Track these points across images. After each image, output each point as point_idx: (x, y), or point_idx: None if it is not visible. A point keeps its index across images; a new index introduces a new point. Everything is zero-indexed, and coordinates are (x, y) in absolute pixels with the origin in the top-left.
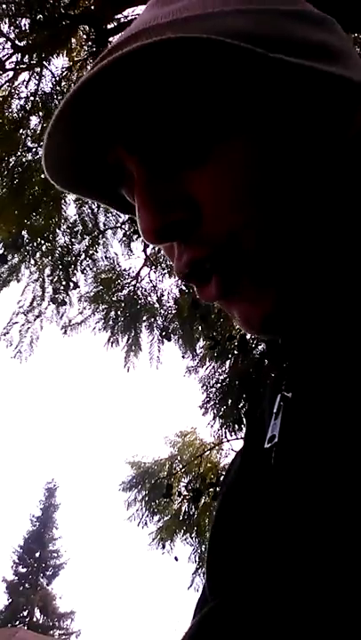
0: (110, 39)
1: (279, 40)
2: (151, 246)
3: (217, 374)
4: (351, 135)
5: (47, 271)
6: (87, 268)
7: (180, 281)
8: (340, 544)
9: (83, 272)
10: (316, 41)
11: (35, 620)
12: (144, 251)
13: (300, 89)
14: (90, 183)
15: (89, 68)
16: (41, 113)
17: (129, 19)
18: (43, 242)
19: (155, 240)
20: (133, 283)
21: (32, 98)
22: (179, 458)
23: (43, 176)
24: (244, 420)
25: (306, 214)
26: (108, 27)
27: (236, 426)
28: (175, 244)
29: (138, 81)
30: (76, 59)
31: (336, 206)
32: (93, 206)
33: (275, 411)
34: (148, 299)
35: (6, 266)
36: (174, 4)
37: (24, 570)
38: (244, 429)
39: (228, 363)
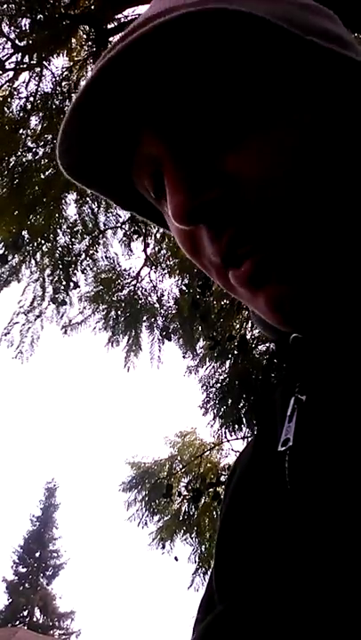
0: (110, 39)
1: (307, 27)
2: (151, 246)
3: (217, 374)
4: None
5: (47, 271)
6: (87, 268)
7: (179, 281)
8: (354, 550)
9: (83, 272)
10: (335, 32)
11: (35, 619)
12: (144, 251)
13: (329, 74)
14: (104, 176)
15: (89, 67)
16: (41, 113)
17: (129, 19)
18: (43, 242)
19: (188, 221)
20: (133, 283)
21: (32, 98)
22: (179, 458)
23: (43, 176)
24: (245, 421)
25: (341, 195)
26: (108, 27)
27: (236, 426)
28: (205, 228)
29: (170, 56)
30: (76, 59)
31: None
32: (93, 206)
33: (288, 414)
34: (149, 299)
35: (7, 266)
36: None
37: (24, 570)
38: (255, 432)
39: (228, 363)
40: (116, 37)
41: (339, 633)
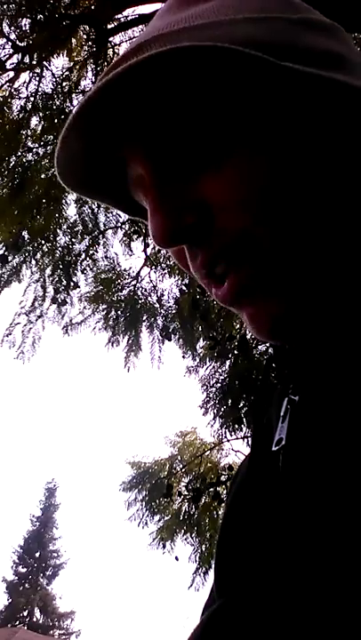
0: (110, 39)
1: (289, 48)
2: (151, 246)
3: (217, 374)
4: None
5: (48, 271)
6: (87, 268)
7: (179, 281)
8: (347, 547)
9: (83, 272)
10: (322, 49)
11: (35, 619)
12: (144, 251)
13: (309, 96)
14: (101, 186)
15: (90, 68)
16: (41, 113)
17: (129, 19)
18: (43, 242)
19: (167, 244)
20: (133, 283)
21: (32, 98)
22: (179, 458)
23: (43, 176)
24: (245, 421)
25: (318, 219)
26: (108, 27)
27: (236, 426)
28: (186, 247)
29: (152, 88)
30: (76, 59)
31: (349, 213)
32: (93, 206)
33: (282, 414)
34: (149, 299)
35: (8, 266)
36: (187, 10)
37: (24, 570)
38: (252, 433)
39: (228, 363)
40: (129, 44)
41: (333, 625)
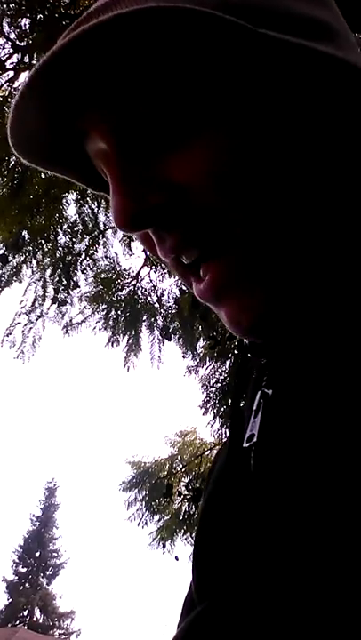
0: None
1: (268, 13)
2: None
3: (217, 374)
4: (348, 122)
5: (48, 271)
6: (87, 268)
7: (178, 281)
8: (320, 543)
9: (83, 272)
10: (307, 16)
11: (35, 619)
12: (144, 251)
13: (290, 69)
14: (60, 158)
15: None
16: None
17: None
18: (43, 242)
19: (130, 227)
20: (133, 283)
21: None
22: (179, 458)
23: (43, 176)
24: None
25: (296, 204)
26: None
27: None
28: (151, 231)
29: (117, 51)
30: None
31: (331, 198)
32: (93, 206)
33: (254, 408)
34: (149, 299)
35: (8, 266)
36: None
37: (24, 570)
38: (229, 424)
39: (228, 363)
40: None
41: (315, 624)
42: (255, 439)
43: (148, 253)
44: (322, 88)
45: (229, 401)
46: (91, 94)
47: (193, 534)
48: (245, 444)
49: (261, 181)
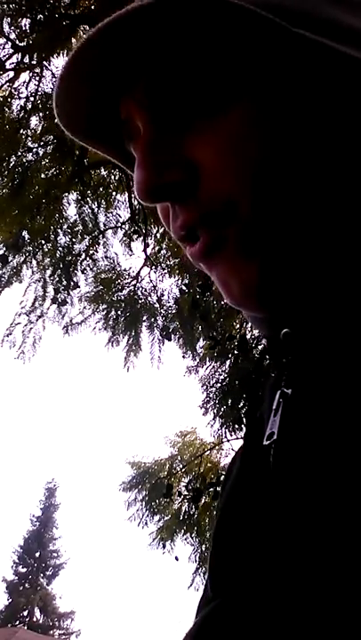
0: None
1: (308, 16)
2: (151, 246)
3: (217, 374)
4: None
5: (48, 271)
6: (87, 268)
7: (179, 281)
8: (339, 541)
9: (83, 272)
10: (346, 24)
11: (35, 620)
12: (144, 251)
13: (323, 68)
14: (101, 135)
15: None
16: (41, 113)
17: None
18: (43, 242)
19: (147, 198)
20: (133, 283)
21: (32, 98)
22: (179, 458)
23: (43, 176)
24: (245, 419)
25: (307, 192)
26: None
27: (236, 426)
28: (169, 205)
29: (158, 31)
30: None
31: (342, 190)
32: (93, 206)
33: (274, 407)
34: (149, 299)
35: (8, 266)
36: None
37: (24, 570)
38: (245, 429)
39: (228, 363)
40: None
41: (328, 622)
42: (275, 437)
43: (149, 253)
44: (352, 92)
45: (229, 401)
46: (129, 70)
47: (193, 534)
48: (265, 442)
49: (277, 172)
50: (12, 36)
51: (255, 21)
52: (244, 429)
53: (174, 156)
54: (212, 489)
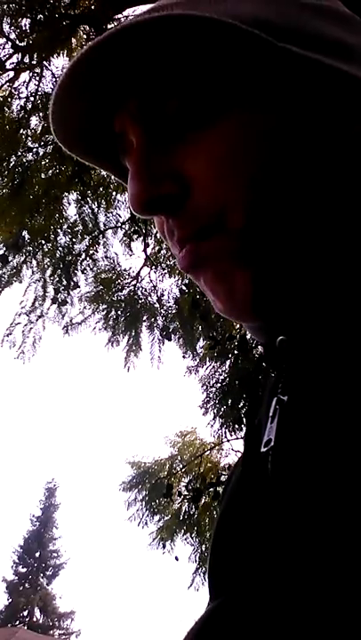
0: None
1: (294, 31)
2: (151, 246)
3: (217, 374)
4: (356, 132)
5: (48, 271)
6: (87, 268)
7: (179, 281)
8: (337, 546)
9: (83, 272)
10: (332, 37)
11: (35, 620)
12: (144, 251)
13: (306, 80)
14: (97, 150)
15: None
16: (41, 113)
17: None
18: (43, 242)
19: (141, 210)
20: (133, 283)
21: (32, 98)
22: (179, 458)
23: (43, 176)
24: (245, 420)
25: (298, 203)
26: (108, 27)
27: (236, 426)
28: (164, 217)
29: (149, 49)
30: None
31: (334, 199)
32: (93, 206)
33: (270, 414)
34: (149, 299)
35: (8, 266)
36: None
37: (24, 570)
38: (244, 434)
39: (228, 363)
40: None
41: (329, 623)
42: (272, 444)
43: (149, 253)
44: (339, 104)
45: (229, 401)
46: (124, 84)
47: (193, 534)
48: (263, 449)
49: (267, 185)
50: (12, 35)
51: (243, 37)
52: (244, 434)
53: (167, 169)
54: (212, 489)
